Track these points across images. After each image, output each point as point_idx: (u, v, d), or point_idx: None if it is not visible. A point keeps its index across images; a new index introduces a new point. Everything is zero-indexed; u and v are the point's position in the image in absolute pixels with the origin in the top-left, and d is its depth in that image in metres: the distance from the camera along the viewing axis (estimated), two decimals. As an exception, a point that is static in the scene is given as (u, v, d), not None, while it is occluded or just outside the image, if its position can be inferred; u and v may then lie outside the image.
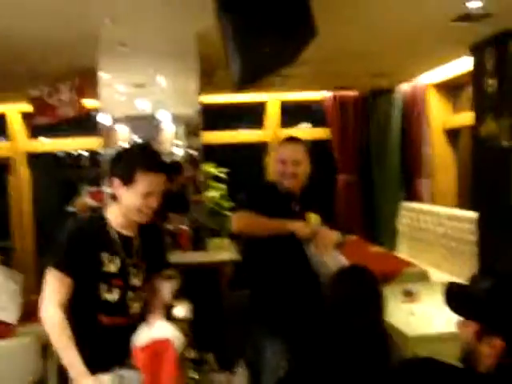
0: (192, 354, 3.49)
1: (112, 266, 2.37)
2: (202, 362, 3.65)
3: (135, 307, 2.46)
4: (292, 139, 3.31)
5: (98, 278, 2.36)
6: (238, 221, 3.13)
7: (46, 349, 3.53)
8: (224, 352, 4.22)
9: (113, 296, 2.38)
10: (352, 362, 2.35)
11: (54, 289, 2.30)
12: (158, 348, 2.36)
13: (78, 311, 2.35)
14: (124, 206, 2.38)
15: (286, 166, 3.14)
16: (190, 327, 3.57)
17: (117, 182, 2.36)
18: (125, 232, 2.42)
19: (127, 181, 2.33)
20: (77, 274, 2.32)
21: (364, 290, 2.54)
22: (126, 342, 2.38)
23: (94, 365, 2.26)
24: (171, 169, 5.41)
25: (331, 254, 3.02)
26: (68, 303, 2.33)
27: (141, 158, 2.37)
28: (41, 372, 3.56)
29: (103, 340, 2.39)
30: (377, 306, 2.53)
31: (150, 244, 2.51)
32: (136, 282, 2.45)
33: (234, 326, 5.72)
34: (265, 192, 3.30)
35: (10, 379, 3.39)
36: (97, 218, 2.44)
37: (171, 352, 2.37)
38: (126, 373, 2.30)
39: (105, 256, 2.36)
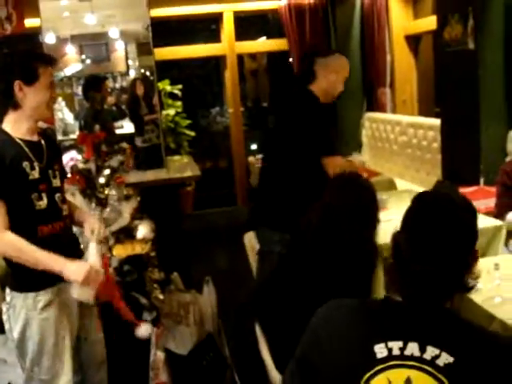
0: (157, 275, 3.39)
1: (35, 173, 2.38)
2: (167, 282, 3.56)
3: (65, 209, 2.54)
4: None
5: (28, 189, 2.36)
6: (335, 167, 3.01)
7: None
8: (189, 272, 4.15)
9: (44, 202, 2.40)
10: (336, 273, 2.23)
11: None
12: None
13: (18, 232, 2.32)
14: (30, 107, 2.39)
15: (341, 84, 3.27)
16: (153, 247, 3.46)
17: (19, 84, 2.35)
18: (30, 138, 2.44)
19: (31, 78, 2.36)
20: (7, 193, 2.30)
21: (368, 198, 2.40)
22: (67, 251, 2.43)
23: (44, 281, 2.38)
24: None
25: None
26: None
27: (36, 54, 2.49)
28: None
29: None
30: (376, 219, 2.41)
31: (51, 147, 2.57)
32: (57, 182, 2.50)
33: (198, 245, 5.70)
34: (324, 115, 3.21)
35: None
36: None
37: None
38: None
39: (26, 165, 2.35)
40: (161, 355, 3.07)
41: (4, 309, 2.50)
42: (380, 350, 1.39)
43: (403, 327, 1.43)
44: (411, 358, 1.36)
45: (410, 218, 1.54)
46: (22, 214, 2.36)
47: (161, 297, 3.35)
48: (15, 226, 2.31)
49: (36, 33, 5.50)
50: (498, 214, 3.46)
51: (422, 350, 1.36)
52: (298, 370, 1.56)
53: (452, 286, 1.48)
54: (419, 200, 1.59)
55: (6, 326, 2.53)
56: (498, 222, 3.35)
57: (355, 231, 2.27)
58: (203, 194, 7.64)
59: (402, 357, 1.37)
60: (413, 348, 1.37)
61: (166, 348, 3.27)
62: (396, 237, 1.52)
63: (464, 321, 1.45)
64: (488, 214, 3.58)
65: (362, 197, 2.37)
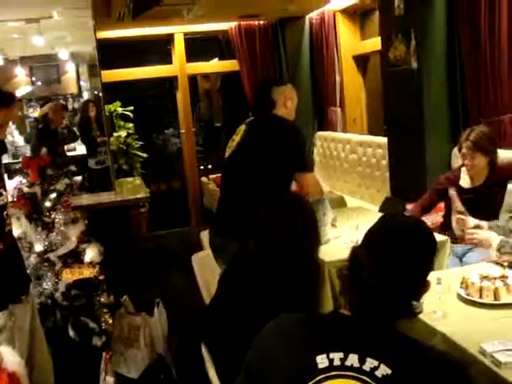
0: (106, 299, 3.36)
1: None
2: (117, 305, 3.52)
3: (8, 225, 2.56)
4: None
5: None
6: (314, 186, 3.36)
7: None
8: (140, 294, 4.11)
9: None
10: (282, 291, 2.24)
11: None
12: None
13: None
14: None
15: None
16: (103, 270, 3.44)
17: None
18: None
19: None
20: None
21: (305, 218, 2.42)
22: (14, 271, 2.50)
23: None
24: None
25: None
26: None
27: None
28: None
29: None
30: (312, 234, 2.43)
31: None
32: (0, 201, 2.51)
33: (150, 267, 5.65)
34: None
35: None
36: None
37: None
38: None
39: None
40: (110, 380, 3.03)
41: None
42: (321, 361, 1.42)
43: (345, 339, 1.46)
44: (351, 368, 1.39)
45: (371, 236, 1.58)
46: None
47: (110, 321, 3.32)
48: None
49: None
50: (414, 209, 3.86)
51: (362, 361, 1.39)
52: (243, 382, 1.58)
53: (400, 306, 1.53)
54: (384, 221, 1.64)
55: None
56: (443, 237, 3.43)
57: (292, 251, 2.30)
58: (157, 215, 7.60)
59: (342, 367, 1.40)
60: (353, 359, 1.40)
61: (117, 372, 3.23)
62: (356, 251, 1.57)
63: (404, 335, 1.49)
64: (434, 229, 3.67)
65: (301, 216, 2.40)
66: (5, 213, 2.51)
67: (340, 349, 1.42)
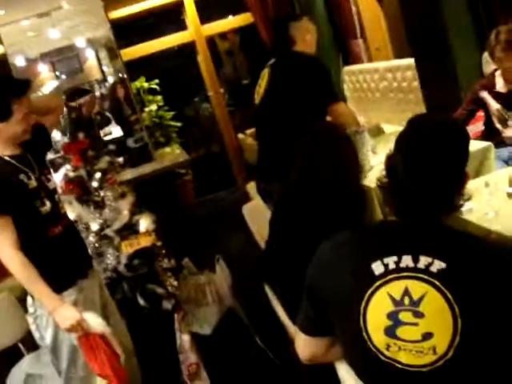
0: (167, 263, 3.47)
1: (32, 182, 2.47)
2: (179, 268, 3.64)
3: (62, 208, 2.66)
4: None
5: (30, 197, 2.45)
6: (348, 116, 3.37)
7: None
8: (199, 255, 4.21)
9: (46, 206, 2.49)
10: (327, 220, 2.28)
11: (0, 233, 2.33)
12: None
13: (31, 238, 2.42)
14: (7, 137, 2.45)
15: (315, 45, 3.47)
16: (159, 237, 3.54)
17: None
18: (15, 152, 2.51)
19: (5, 115, 2.39)
20: (12, 207, 2.37)
21: (342, 144, 2.45)
22: (77, 248, 2.63)
23: (65, 282, 2.51)
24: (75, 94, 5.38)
25: None
26: (19, 238, 2.37)
27: (8, 87, 2.43)
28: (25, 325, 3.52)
29: (61, 253, 2.53)
30: (354, 163, 2.45)
31: (35, 155, 2.61)
32: (51, 185, 2.61)
33: (205, 230, 5.76)
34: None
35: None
36: None
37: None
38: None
39: (23, 177, 2.44)
40: (186, 338, 3.15)
41: (30, 320, 2.58)
42: (377, 268, 1.47)
43: (396, 243, 1.50)
44: (406, 269, 1.43)
45: (404, 139, 1.59)
46: (31, 222, 2.45)
47: (175, 283, 3.43)
48: (27, 234, 2.41)
49: (2, 59, 5.52)
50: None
51: (416, 260, 1.43)
52: (308, 303, 1.65)
53: (443, 203, 1.54)
54: (413, 123, 1.63)
55: (37, 336, 2.62)
56: (486, 143, 3.40)
57: (337, 180, 2.33)
58: (203, 180, 7.69)
59: (397, 270, 1.44)
60: (407, 260, 1.44)
61: (191, 331, 3.35)
62: (390, 158, 1.59)
63: (455, 230, 1.51)
64: (476, 139, 3.64)
65: (339, 145, 2.42)
66: (56, 196, 2.61)
67: (393, 253, 1.46)
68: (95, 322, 2.45)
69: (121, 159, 5.32)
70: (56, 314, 2.36)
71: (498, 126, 3.36)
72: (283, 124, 3.28)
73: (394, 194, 1.56)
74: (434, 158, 1.50)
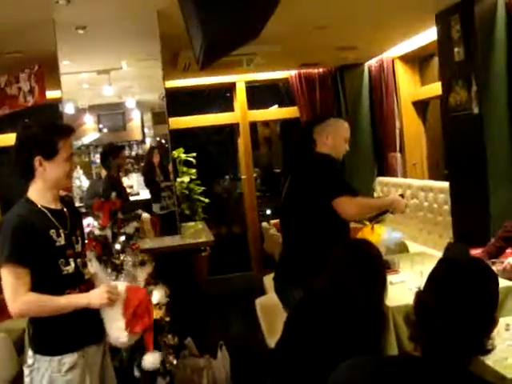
0: (171, 340, 3.42)
1: (61, 240, 2.44)
2: (181, 347, 3.58)
3: (87, 273, 2.61)
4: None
5: (56, 255, 2.43)
6: (351, 206, 3.20)
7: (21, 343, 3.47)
8: (203, 337, 4.16)
9: (70, 267, 2.47)
10: (348, 339, 2.26)
11: (14, 283, 2.33)
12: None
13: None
14: (50, 179, 2.47)
15: (344, 144, 3.48)
16: (168, 312, 3.50)
17: (39, 159, 2.42)
18: (53, 207, 2.51)
19: (51, 154, 2.43)
20: (34, 260, 2.35)
21: (373, 264, 2.45)
22: (90, 315, 2.48)
23: (70, 344, 2.44)
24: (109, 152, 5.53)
25: None
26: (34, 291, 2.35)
27: (55, 128, 2.50)
28: (17, 368, 3.47)
29: (77, 317, 2.44)
30: (383, 283, 2.45)
31: (73, 214, 2.62)
32: (78, 248, 2.56)
33: (212, 311, 5.71)
34: (338, 169, 3.54)
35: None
36: (25, 203, 2.48)
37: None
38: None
39: (52, 232, 2.42)
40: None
41: (26, 371, 2.52)
42: None
43: (417, 381, 1.48)
44: None
45: (437, 279, 1.61)
46: (50, 280, 2.41)
47: (174, 362, 3.37)
48: (44, 292, 2.36)
49: (55, 103, 5.71)
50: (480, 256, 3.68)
51: None
52: None
53: (472, 346, 1.53)
54: (448, 264, 1.66)
55: None
56: (509, 283, 3.37)
57: (360, 298, 2.32)
58: (218, 259, 7.68)
59: None
60: None
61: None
62: (420, 295, 1.59)
63: (476, 377, 1.50)
64: (502, 274, 3.61)
65: (367, 264, 2.42)
66: (79, 260, 2.54)
67: None
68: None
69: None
70: (92, 303, 2.41)
71: None
72: (298, 226, 3.32)
73: (422, 332, 1.55)
74: (465, 300, 1.51)
